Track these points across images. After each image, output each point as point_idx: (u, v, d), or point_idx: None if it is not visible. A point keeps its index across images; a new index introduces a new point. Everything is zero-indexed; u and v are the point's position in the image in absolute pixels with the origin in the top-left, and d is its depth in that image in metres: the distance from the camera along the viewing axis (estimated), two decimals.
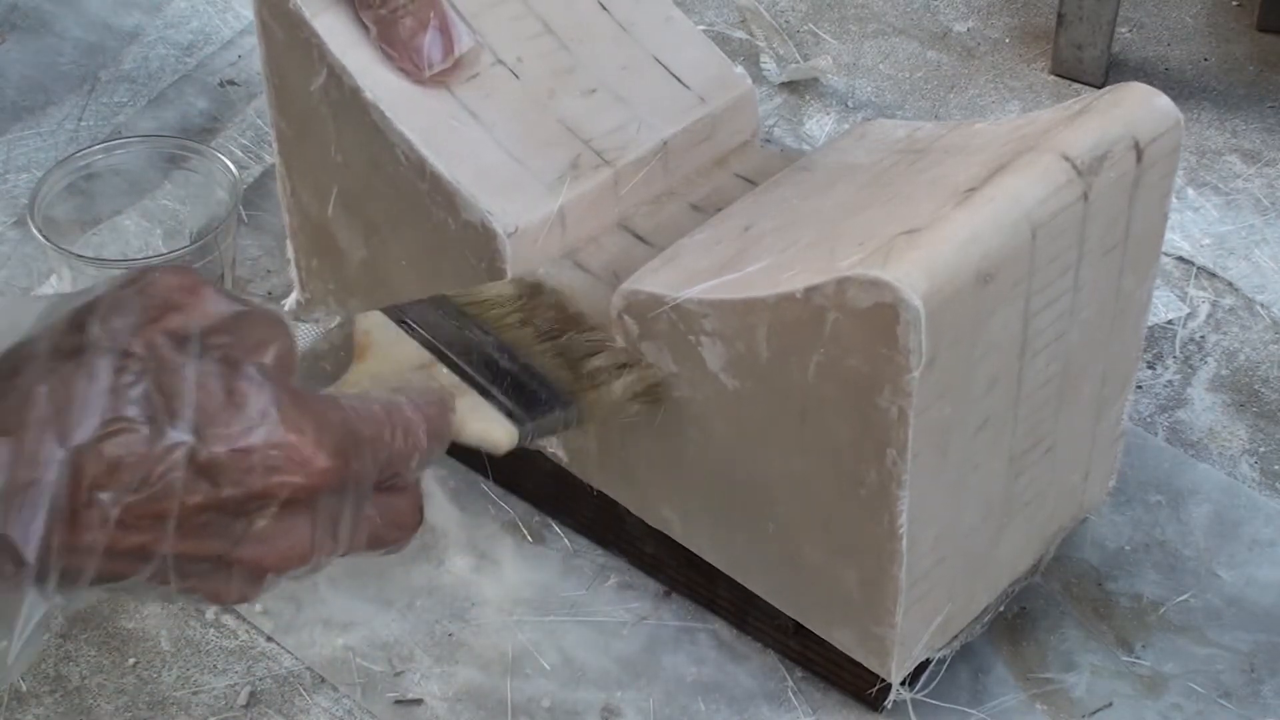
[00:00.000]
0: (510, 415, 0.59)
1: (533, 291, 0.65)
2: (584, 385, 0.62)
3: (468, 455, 0.87)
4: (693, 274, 0.70)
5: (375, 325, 0.60)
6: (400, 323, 0.60)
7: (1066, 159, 0.66)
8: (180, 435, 0.46)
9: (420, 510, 0.54)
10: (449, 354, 0.59)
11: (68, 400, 0.45)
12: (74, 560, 0.46)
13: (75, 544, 0.46)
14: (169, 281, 0.49)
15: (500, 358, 0.61)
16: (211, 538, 0.48)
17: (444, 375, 0.59)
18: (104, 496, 0.45)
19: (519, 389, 0.60)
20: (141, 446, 0.46)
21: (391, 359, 0.59)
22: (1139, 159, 0.68)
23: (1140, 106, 0.69)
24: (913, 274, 0.60)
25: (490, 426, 0.58)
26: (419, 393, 0.54)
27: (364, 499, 0.51)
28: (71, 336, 0.47)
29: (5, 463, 0.45)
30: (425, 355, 0.59)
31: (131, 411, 0.46)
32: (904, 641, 0.71)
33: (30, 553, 0.45)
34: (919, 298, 0.60)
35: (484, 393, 0.59)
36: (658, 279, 0.71)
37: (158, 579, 0.48)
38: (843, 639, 0.73)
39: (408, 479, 0.53)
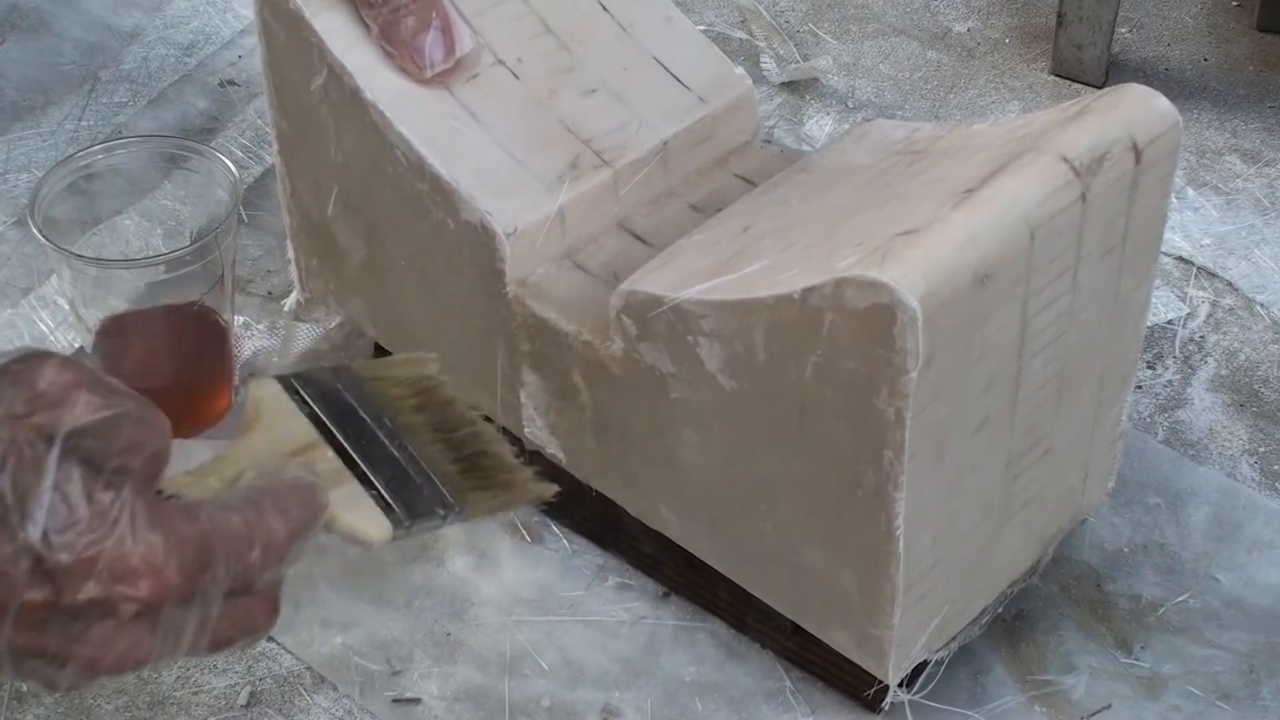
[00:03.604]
0: (388, 510, 0.57)
1: (429, 382, 0.63)
2: (470, 484, 0.61)
3: None
4: (691, 274, 0.70)
5: (268, 395, 0.58)
6: (295, 393, 0.59)
7: (1065, 160, 0.66)
8: (29, 536, 0.46)
9: (275, 610, 0.54)
10: (337, 436, 0.58)
11: None
12: None
13: None
14: (47, 376, 0.48)
15: (390, 444, 0.59)
16: (49, 635, 0.48)
17: (326, 460, 0.57)
18: None
19: (403, 481, 0.58)
20: None
21: (276, 437, 0.57)
22: (1137, 160, 0.68)
23: (1139, 108, 0.69)
24: (910, 275, 0.60)
25: (364, 523, 0.57)
26: (290, 488, 0.54)
27: (211, 608, 0.51)
28: None
29: None
30: (311, 435, 0.57)
31: None
32: (901, 643, 0.71)
33: None
34: (916, 299, 0.60)
35: (365, 481, 0.57)
36: (656, 279, 0.71)
37: None
38: (840, 640, 0.73)
39: (263, 584, 0.53)
